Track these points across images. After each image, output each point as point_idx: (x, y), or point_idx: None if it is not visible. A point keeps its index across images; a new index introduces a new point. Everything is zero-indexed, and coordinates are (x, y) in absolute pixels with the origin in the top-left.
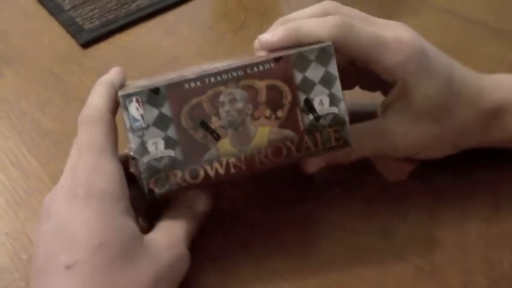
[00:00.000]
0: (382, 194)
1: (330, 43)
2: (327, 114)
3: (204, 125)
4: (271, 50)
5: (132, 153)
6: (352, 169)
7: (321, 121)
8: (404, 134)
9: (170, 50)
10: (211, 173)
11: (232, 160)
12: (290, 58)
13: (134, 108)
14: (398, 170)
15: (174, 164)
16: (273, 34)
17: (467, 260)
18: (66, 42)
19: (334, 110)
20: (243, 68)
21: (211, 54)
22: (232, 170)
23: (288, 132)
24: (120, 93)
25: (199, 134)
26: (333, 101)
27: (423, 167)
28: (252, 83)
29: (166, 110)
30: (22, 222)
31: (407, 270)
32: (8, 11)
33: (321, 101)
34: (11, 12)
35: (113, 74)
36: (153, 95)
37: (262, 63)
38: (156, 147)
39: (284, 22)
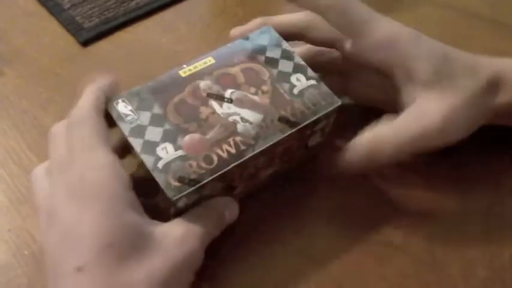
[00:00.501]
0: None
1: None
2: (308, 87)
3: (194, 115)
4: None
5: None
6: None
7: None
8: (423, 131)
9: (169, 47)
10: (224, 155)
11: (238, 138)
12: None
13: (122, 107)
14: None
15: (186, 158)
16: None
17: (468, 252)
18: (66, 41)
19: (312, 82)
20: (210, 55)
21: (210, 51)
22: (242, 147)
23: (279, 103)
24: (110, 106)
25: (193, 126)
26: (303, 71)
27: (422, 160)
28: (225, 70)
29: (157, 110)
30: (24, 219)
31: (408, 262)
32: (8, 11)
33: (297, 78)
34: (11, 11)
35: (99, 80)
36: (141, 101)
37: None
38: (167, 151)
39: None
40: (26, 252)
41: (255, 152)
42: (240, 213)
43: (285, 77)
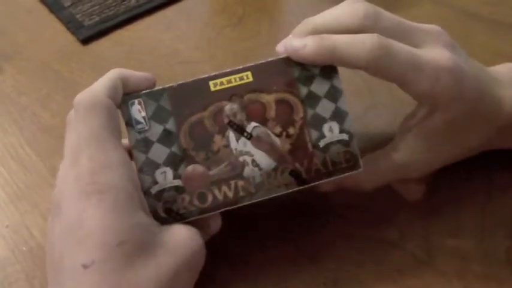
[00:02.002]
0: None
1: None
2: (337, 141)
3: (205, 144)
4: (297, 59)
5: (137, 169)
6: None
7: (331, 143)
8: (424, 162)
9: (169, 45)
10: (220, 197)
11: (241, 183)
12: (293, 72)
13: (136, 110)
14: (415, 190)
15: (182, 189)
16: (305, 45)
17: (463, 248)
18: (66, 39)
19: (344, 136)
20: (247, 76)
21: (210, 49)
22: (241, 193)
23: (299, 153)
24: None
25: (200, 156)
26: (340, 120)
27: None
28: (256, 96)
29: (170, 126)
30: (22, 215)
31: (403, 259)
32: (8, 8)
33: (330, 127)
34: (12, 9)
35: (126, 70)
36: (158, 109)
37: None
38: (165, 177)
39: (313, 29)
40: (24, 248)
41: (251, 202)
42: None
43: (318, 122)
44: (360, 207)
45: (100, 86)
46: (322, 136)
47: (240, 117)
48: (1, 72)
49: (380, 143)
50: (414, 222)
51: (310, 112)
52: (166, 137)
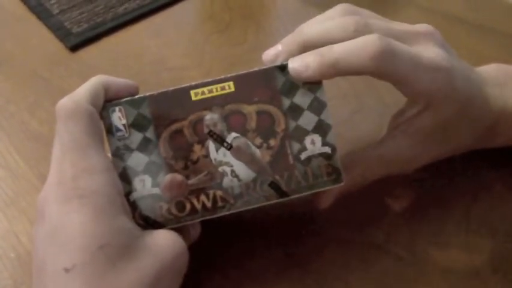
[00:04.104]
0: (364, 188)
1: None
2: (318, 154)
3: (184, 154)
4: (300, 80)
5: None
6: None
7: (311, 156)
8: (411, 158)
9: (157, 51)
10: (198, 206)
11: (219, 193)
12: (277, 83)
13: (117, 118)
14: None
15: (160, 198)
16: (307, 66)
17: (448, 250)
18: (54, 46)
19: (327, 149)
20: (231, 79)
21: (197, 56)
22: (220, 203)
23: (279, 164)
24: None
25: (179, 165)
26: (323, 133)
27: None
28: (237, 106)
29: (149, 134)
30: (10, 221)
31: (390, 261)
32: None
33: (313, 140)
34: (0, 17)
35: (109, 77)
36: (138, 116)
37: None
38: (144, 185)
39: (304, 42)
40: (12, 254)
41: (230, 212)
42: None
43: (300, 135)
44: (346, 211)
45: (82, 92)
46: (304, 149)
47: (220, 127)
48: None
49: (367, 145)
50: (399, 225)
51: (292, 124)
52: (146, 145)
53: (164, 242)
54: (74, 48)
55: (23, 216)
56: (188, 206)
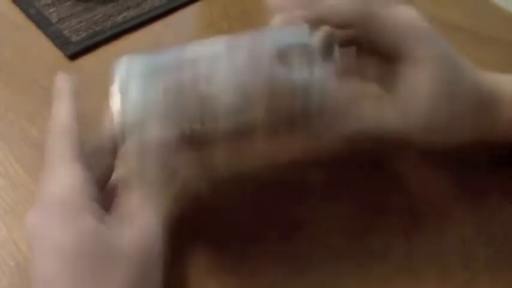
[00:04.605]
0: (364, 196)
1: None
2: None
3: None
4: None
5: None
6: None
7: None
8: (429, 102)
9: None
10: None
11: None
12: None
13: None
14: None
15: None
16: None
17: (445, 257)
18: (53, 54)
19: None
20: None
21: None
22: None
23: None
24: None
25: None
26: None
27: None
28: None
29: None
30: (9, 229)
31: (387, 269)
32: None
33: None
34: None
35: (65, 82)
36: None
37: None
38: None
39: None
40: (11, 263)
41: None
42: (220, 220)
43: None
44: (345, 219)
45: (66, 111)
46: None
47: None
48: None
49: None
50: (398, 232)
51: None
52: None
53: (133, 242)
54: (73, 56)
55: (22, 224)
56: None
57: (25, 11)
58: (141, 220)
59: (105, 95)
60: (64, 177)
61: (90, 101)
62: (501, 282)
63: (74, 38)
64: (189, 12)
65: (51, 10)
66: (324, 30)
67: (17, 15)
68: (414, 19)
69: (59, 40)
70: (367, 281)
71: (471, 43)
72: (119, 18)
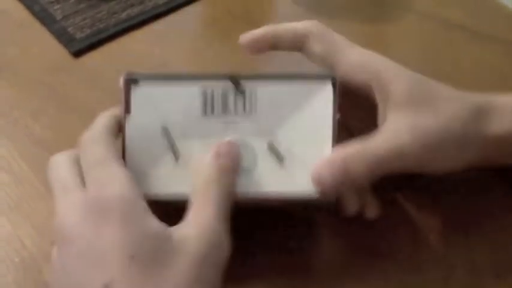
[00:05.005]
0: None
1: None
2: None
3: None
4: (251, 46)
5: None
6: None
7: None
8: (411, 128)
9: (159, 57)
10: None
11: None
12: None
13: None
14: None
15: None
16: (249, 35)
17: (450, 258)
18: (57, 52)
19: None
20: None
21: (200, 61)
22: None
23: None
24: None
25: None
26: None
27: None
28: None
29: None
30: (14, 226)
31: (391, 268)
32: (0, 22)
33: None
34: (3, 22)
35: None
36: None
37: None
38: None
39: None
40: (16, 259)
41: None
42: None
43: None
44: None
45: (100, 123)
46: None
47: None
48: None
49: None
50: (404, 233)
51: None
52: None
53: (193, 237)
54: (77, 54)
55: (27, 220)
56: None
57: (29, 8)
58: (200, 219)
59: (109, 92)
60: (111, 178)
61: (94, 97)
62: (506, 282)
63: (78, 35)
64: (192, 10)
65: (55, 7)
66: None
67: (21, 13)
68: (369, 55)
69: (64, 37)
70: (369, 278)
71: (474, 42)
72: (123, 15)
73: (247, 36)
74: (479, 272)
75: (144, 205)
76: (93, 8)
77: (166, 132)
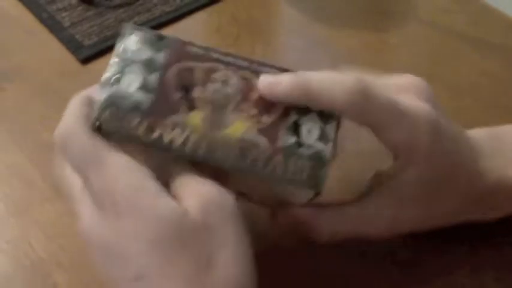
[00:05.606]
0: None
1: None
2: (311, 146)
3: (186, 89)
4: (271, 97)
5: (101, 80)
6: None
7: (301, 150)
8: (389, 220)
9: None
10: (166, 138)
11: (194, 137)
12: None
13: (132, 42)
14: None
15: (137, 108)
16: (278, 80)
17: (451, 261)
18: (65, 59)
19: (320, 146)
20: (251, 62)
21: None
22: (189, 145)
23: (263, 140)
24: (126, 24)
25: (176, 95)
26: (323, 136)
27: None
28: (251, 77)
29: (159, 57)
30: (23, 230)
31: (396, 274)
32: (9, 29)
33: (310, 129)
34: (12, 29)
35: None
36: (154, 40)
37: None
38: (130, 84)
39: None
40: (26, 263)
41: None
42: None
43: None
44: None
45: (73, 117)
46: (297, 145)
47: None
48: (1, 91)
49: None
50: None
51: (293, 117)
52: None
53: (209, 208)
54: (85, 60)
55: (36, 224)
56: (156, 134)
57: (37, 15)
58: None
59: None
60: (117, 169)
61: None
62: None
63: (86, 42)
64: (198, 18)
65: (63, 15)
66: None
67: (29, 20)
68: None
69: (71, 44)
70: (372, 281)
71: (476, 50)
72: (130, 23)
73: (271, 86)
74: (479, 272)
75: (153, 185)
76: (101, 16)
77: None
